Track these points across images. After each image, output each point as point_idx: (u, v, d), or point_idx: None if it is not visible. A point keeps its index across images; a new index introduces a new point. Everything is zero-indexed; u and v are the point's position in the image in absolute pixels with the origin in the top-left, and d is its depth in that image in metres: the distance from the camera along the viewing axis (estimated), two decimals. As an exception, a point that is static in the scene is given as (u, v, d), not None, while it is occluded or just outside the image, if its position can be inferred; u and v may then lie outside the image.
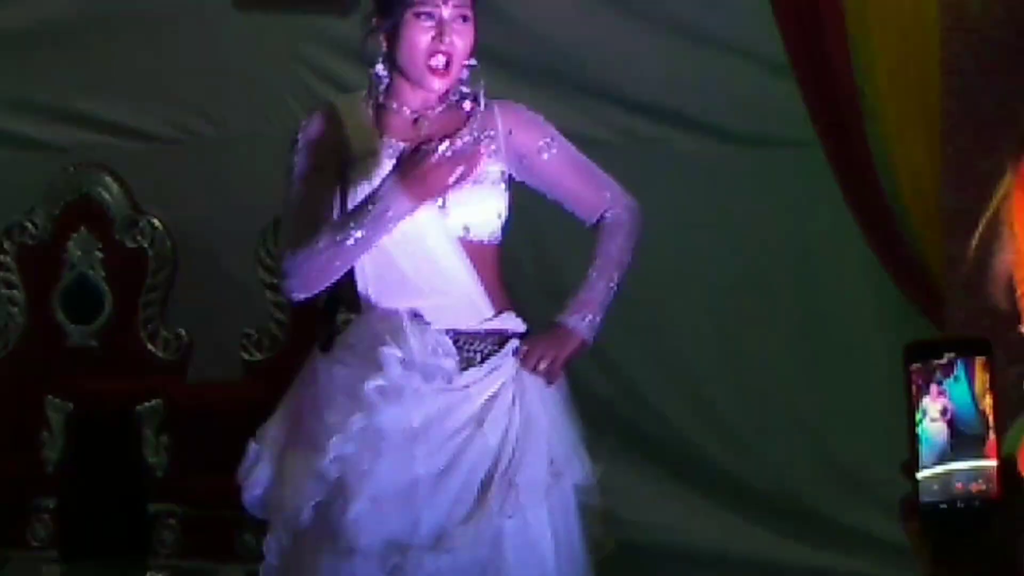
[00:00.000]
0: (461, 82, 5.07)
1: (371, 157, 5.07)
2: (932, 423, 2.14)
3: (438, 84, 5.02)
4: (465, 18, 5.02)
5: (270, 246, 8.22)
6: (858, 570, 7.76)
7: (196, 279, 8.57)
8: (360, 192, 4.99)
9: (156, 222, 8.57)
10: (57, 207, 8.70)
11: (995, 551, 2.14)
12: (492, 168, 5.07)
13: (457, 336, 5.03)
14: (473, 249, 5.06)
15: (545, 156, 5.14)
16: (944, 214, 7.14)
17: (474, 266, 5.05)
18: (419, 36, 4.97)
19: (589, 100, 8.20)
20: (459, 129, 5.06)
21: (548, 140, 5.15)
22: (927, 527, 2.16)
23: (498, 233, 5.09)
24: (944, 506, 2.13)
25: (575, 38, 8.31)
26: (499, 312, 5.07)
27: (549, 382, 5.03)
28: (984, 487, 2.13)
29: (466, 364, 5.05)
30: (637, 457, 8.16)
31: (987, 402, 2.14)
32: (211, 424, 7.97)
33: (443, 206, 4.98)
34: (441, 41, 4.97)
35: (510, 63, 7.85)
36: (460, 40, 4.99)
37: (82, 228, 8.67)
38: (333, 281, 5.00)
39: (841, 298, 7.99)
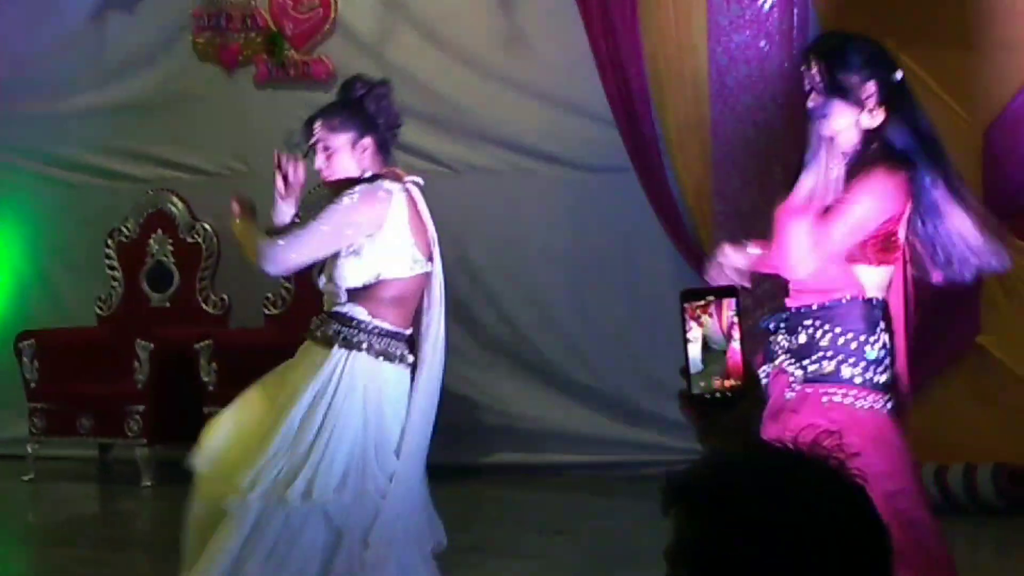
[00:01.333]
0: None
1: None
2: (695, 343, 2.13)
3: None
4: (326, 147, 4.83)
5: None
6: (654, 441, 7.77)
7: (233, 262, 8.53)
8: None
9: (207, 226, 8.88)
10: (142, 217, 8.97)
11: (739, 423, 2.11)
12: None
13: None
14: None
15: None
16: (713, 214, 7.66)
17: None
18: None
19: (483, 142, 8.36)
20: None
21: None
22: (697, 411, 2.13)
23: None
24: (707, 396, 2.12)
25: (470, 97, 8.34)
26: None
27: None
28: (733, 383, 2.11)
29: None
30: (501, 360, 8.40)
31: (729, 326, 2.12)
32: (244, 355, 8.08)
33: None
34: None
35: (423, 115, 8.06)
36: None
37: (159, 230, 8.95)
38: None
39: (651, 269, 7.99)
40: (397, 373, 4.72)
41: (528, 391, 8.29)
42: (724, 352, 2.12)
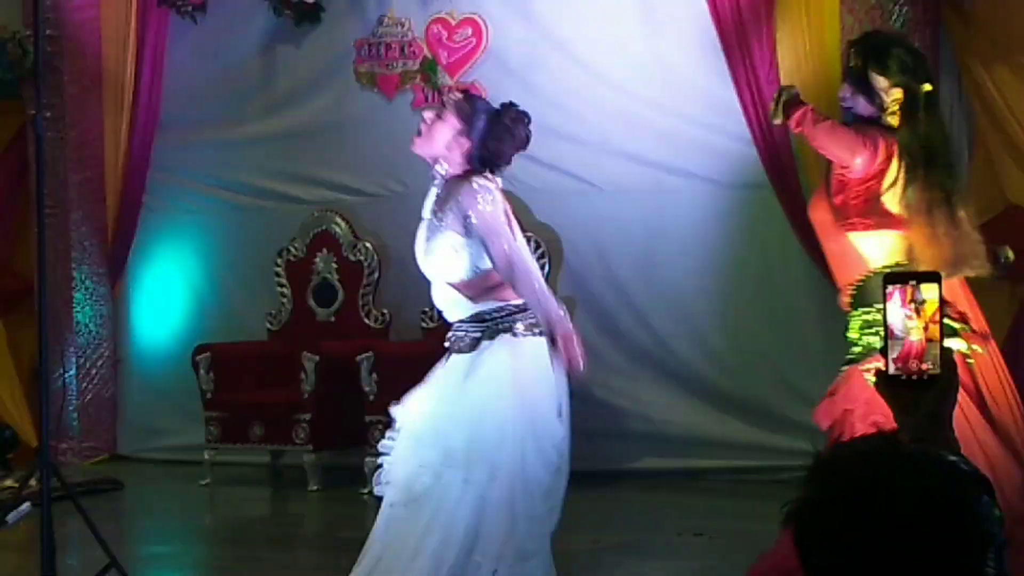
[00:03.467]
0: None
1: None
2: (895, 325, 2.12)
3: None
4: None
5: (438, 257, 9.03)
6: (791, 446, 7.71)
7: (393, 279, 8.98)
8: None
9: (369, 245, 9.10)
10: (308, 237, 9.25)
11: (931, 406, 2.11)
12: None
13: None
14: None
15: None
16: None
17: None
18: None
19: (627, 160, 8.49)
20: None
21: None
22: (891, 391, 2.13)
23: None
24: (903, 377, 2.12)
25: (615, 119, 8.48)
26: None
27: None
28: (928, 366, 2.11)
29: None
30: (646, 369, 8.52)
31: (932, 312, 2.11)
32: (404, 366, 8.07)
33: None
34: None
35: (570, 136, 8.46)
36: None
37: (324, 249, 9.20)
38: None
39: (788, 281, 8.10)
40: (537, 344, 4.77)
41: (671, 399, 8.46)
42: (923, 336, 2.11)
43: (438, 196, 5.05)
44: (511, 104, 5.20)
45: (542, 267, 8.67)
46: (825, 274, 7.46)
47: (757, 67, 8.06)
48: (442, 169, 5.04)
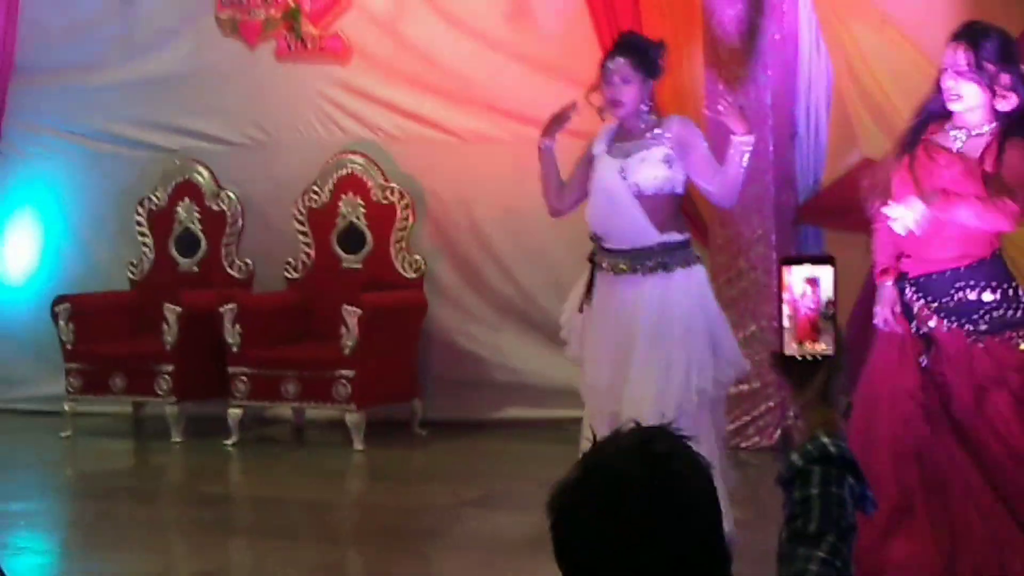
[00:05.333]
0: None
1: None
2: (789, 307, 2.18)
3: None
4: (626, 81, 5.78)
5: (301, 207, 8.72)
6: None
7: (258, 229, 8.93)
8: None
9: (231, 194, 8.99)
10: (170, 186, 9.11)
11: (823, 386, 2.17)
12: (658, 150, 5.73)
13: None
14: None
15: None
16: None
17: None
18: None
19: (490, 112, 8.49)
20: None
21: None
22: (785, 370, 2.20)
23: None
24: (797, 358, 2.18)
25: (478, 70, 8.48)
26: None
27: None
28: (823, 347, 2.17)
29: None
30: (509, 320, 8.56)
31: (827, 295, 2.17)
32: (267, 317, 8.48)
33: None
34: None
35: (433, 87, 8.51)
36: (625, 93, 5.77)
37: (186, 198, 9.08)
38: None
39: None
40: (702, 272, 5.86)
41: (534, 349, 8.44)
42: (817, 317, 2.17)
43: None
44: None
45: (405, 218, 8.65)
46: (693, 233, 7.65)
47: (619, 19, 8.01)
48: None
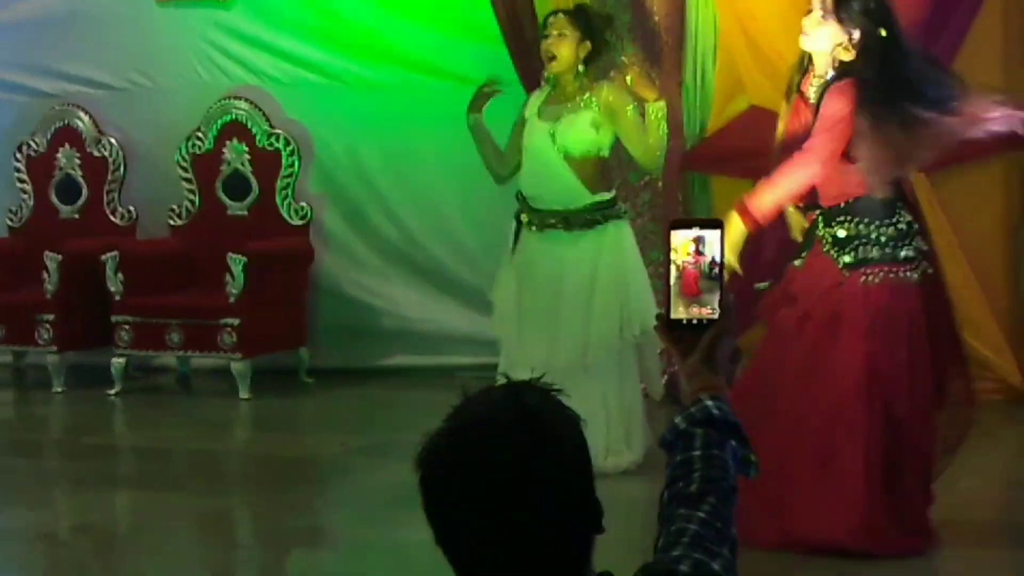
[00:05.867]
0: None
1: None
2: (676, 271, 2.15)
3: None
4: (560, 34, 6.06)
5: (185, 154, 8.63)
6: None
7: (141, 175, 8.81)
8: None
9: (113, 140, 8.84)
10: (50, 131, 8.96)
11: (709, 350, 2.15)
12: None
13: None
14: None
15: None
16: None
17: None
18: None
19: (374, 56, 8.39)
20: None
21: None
22: (671, 335, 2.18)
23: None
24: (683, 321, 2.16)
25: (363, 14, 8.38)
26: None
27: None
28: (708, 311, 2.16)
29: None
30: (396, 266, 8.52)
31: (712, 259, 2.15)
32: (151, 265, 8.39)
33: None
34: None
35: (317, 31, 8.40)
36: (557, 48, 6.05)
37: (66, 144, 8.92)
38: None
39: None
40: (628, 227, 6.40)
41: (421, 296, 8.43)
42: (702, 280, 2.15)
43: None
44: None
45: (291, 165, 8.54)
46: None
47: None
48: None
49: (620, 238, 6.14)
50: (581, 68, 6.13)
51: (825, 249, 5.22)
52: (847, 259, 5.19)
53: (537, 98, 6.28)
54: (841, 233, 5.20)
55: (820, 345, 5.18)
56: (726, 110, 7.76)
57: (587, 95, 6.09)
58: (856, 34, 5.16)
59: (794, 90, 5.32)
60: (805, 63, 5.32)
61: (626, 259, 6.13)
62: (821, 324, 5.19)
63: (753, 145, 7.48)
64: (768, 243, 7.17)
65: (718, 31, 7.77)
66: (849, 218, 5.20)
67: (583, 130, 6.04)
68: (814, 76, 5.27)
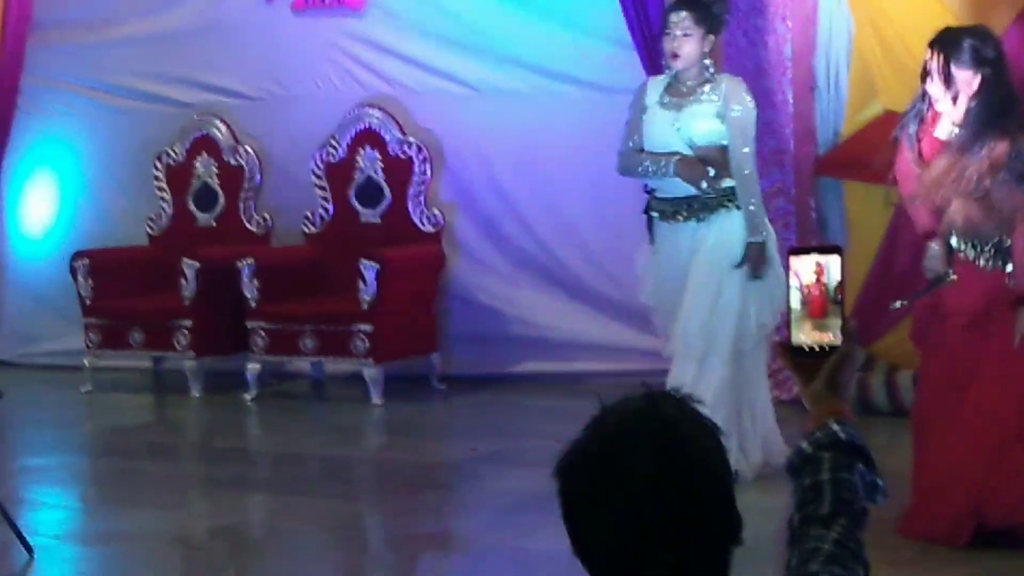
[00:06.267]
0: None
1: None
2: (798, 297, 2.15)
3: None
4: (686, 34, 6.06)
5: (319, 162, 8.70)
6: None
7: (275, 183, 8.90)
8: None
9: (249, 149, 8.95)
10: (188, 140, 9.07)
11: (830, 377, 2.15)
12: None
13: None
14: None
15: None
16: None
17: None
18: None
19: (507, 64, 8.39)
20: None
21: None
22: (792, 361, 2.18)
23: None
24: (804, 348, 2.16)
25: (495, 21, 8.37)
26: None
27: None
28: (830, 337, 2.15)
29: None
30: (528, 274, 8.48)
31: (834, 285, 2.15)
32: (286, 272, 8.47)
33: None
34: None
35: (449, 39, 8.47)
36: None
37: (204, 153, 9.03)
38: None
39: None
40: None
41: (552, 303, 8.41)
42: (825, 307, 2.15)
43: None
44: None
45: (423, 172, 8.59)
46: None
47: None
48: None
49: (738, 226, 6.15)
50: (707, 62, 6.13)
51: (973, 260, 5.47)
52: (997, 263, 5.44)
53: (656, 86, 6.27)
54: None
55: (994, 342, 5.41)
56: (860, 115, 7.66)
57: (709, 87, 6.11)
58: (977, 77, 5.40)
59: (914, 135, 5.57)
60: (923, 107, 5.56)
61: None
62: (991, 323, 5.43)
63: (888, 150, 7.46)
64: (900, 262, 7.19)
65: (852, 35, 7.67)
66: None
67: (707, 119, 6.07)
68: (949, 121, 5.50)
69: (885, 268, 7.52)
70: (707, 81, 6.12)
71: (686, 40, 6.06)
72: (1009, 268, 5.41)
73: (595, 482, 1.91)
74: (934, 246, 5.52)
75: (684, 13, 6.07)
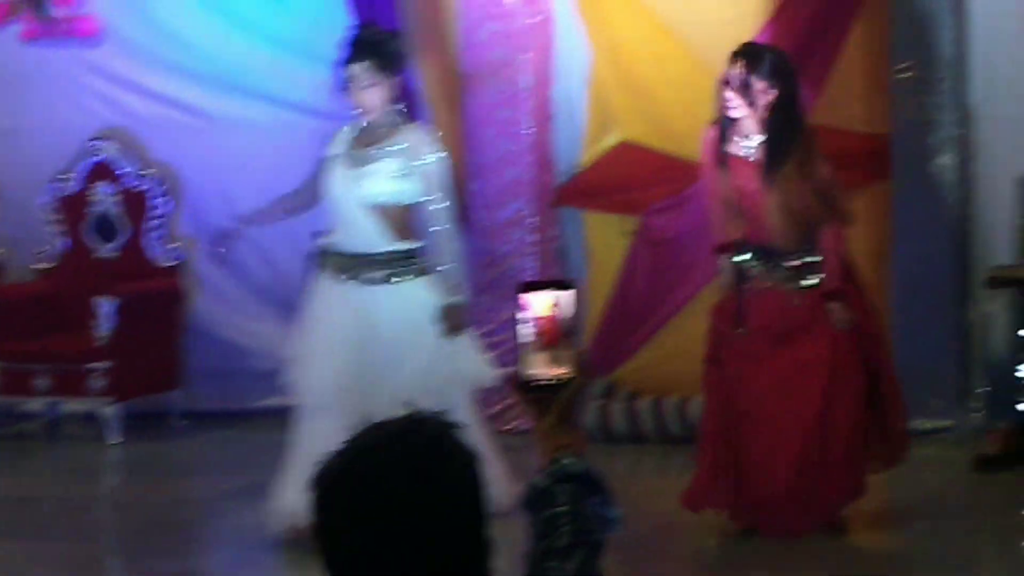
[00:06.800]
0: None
1: None
2: (527, 331, 2.17)
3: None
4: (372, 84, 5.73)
5: (52, 195, 8.38)
6: None
7: (6, 218, 8.49)
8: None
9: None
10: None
11: (562, 408, 2.16)
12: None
13: None
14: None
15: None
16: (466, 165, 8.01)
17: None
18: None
19: (245, 95, 8.31)
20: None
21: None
22: (525, 394, 2.19)
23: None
24: (534, 383, 2.17)
25: (232, 53, 8.32)
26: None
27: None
28: (562, 370, 2.16)
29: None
30: (269, 306, 8.31)
31: (567, 318, 2.17)
32: (16, 309, 8.21)
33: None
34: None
35: (186, 70, 8.35)
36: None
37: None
38: None
39: None
40: None
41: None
42: (557, 340, 2.17)
43: None
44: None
45: (161, 206, 8.42)
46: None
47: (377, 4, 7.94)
48: None
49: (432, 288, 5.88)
50: (397, 106, 5.89)
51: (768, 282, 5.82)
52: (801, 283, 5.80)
53: (343, 137, 5.99)
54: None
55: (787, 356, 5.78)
56: (597, 144, 7.77)
57: (397, 137, 5.84)
58: (772, 91, 5.72)
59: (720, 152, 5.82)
60: (724, 125, 5.82)
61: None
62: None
63: (625, 180, 7.61)
64: (638, 290, 7.39)
65: (590, 65, 7.79)
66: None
67: (386, 180, 5.81)
68: (742, 136, 5.81)
69: (624, 296, 7.65)
70: (395, 129, 5.83)
71: (372, 90, 5.77)
72: (804, 283, 5.76)
73: (345, 492, 1.88)
74: (726, 259, 5.86)
75: (366, 63, 5.76)
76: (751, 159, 5.79)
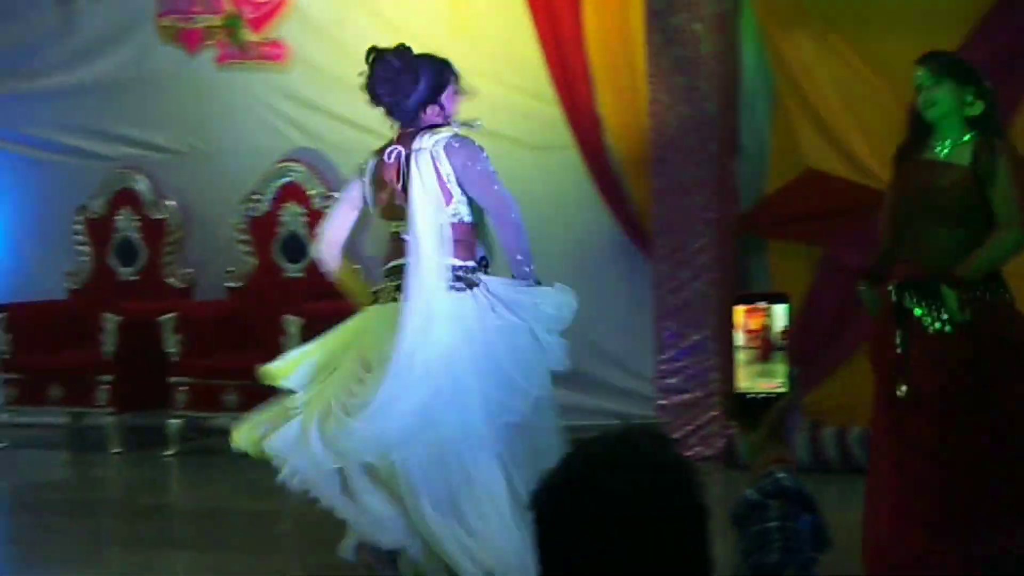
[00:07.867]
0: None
1: None
2: (741, 344, 2.13)
3: None
4: None
5: (241, 215, 8.68)
6: (604, 407, 7.63)
7: (198, 237, 8.88)
8: None
9: (171, 203, 8.93)
10: (109, 194, 9.03)
11: (772, 424, 2.12)
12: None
13: None
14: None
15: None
16: (651, 189, 7.88)
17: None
18: None
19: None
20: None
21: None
22: (736, 408, 2.15)
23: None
24: (747, 396, 2.13)
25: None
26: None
27: None
28: (774, 385, 2.13)
29: None
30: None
31: (780, 331, 2.13)
32: (207, 326, 8.42)
33: None
34: None
35: None
36: None
37: (126, 207, 8.99)
38: None
39: (590, 240, 8.09)
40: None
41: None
42: (769, 355, 2.13)
43: None
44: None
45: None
46: (627, 234, 7.65)
47: (562, 28, 7.98)
48: None
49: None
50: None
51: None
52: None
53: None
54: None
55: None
56: (782, 173, 7.71)
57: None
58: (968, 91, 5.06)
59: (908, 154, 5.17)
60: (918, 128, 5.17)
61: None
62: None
63: (809, 208, 7.53)
64: (822, 322, 7.15)
65: (775, 93, 7.75)
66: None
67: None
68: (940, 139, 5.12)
69: (808, 325, 7.55)
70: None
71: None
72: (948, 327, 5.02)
73: (571, 510, 1.87)
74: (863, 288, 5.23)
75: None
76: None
